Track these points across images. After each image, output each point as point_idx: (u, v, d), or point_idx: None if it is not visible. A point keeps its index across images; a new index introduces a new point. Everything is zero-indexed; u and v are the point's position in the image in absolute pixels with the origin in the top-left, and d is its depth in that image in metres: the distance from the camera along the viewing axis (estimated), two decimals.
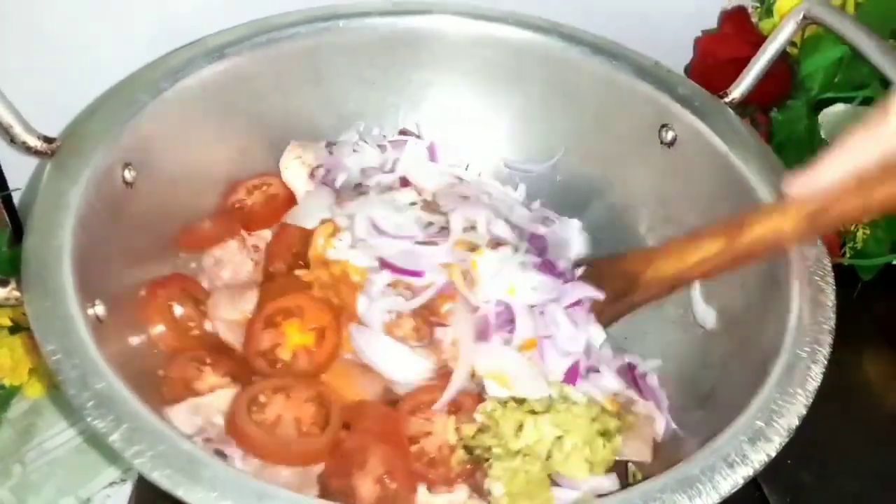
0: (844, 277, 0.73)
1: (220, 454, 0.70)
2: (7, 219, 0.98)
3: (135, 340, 0.76)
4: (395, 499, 0.70)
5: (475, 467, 0.73)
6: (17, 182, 0.97)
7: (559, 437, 0.71)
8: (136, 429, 0.56)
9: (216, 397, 0.74)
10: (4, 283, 0.64)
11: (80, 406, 0.57)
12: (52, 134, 0.75)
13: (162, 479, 0.54)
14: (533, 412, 0.73)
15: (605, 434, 0.73)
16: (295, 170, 0.93)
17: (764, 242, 0.70)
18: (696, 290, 0.86)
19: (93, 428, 0.56)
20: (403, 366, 0.77)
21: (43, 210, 0.69)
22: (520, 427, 0.72)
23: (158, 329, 0.79)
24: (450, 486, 0.72)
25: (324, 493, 0.69)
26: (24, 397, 0.92)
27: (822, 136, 0.93)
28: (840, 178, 0.64)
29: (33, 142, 0.74)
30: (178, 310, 0.81)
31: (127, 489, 0.86)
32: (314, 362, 0.77)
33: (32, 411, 0.91)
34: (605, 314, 0.82)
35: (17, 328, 0.88)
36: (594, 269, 0.85)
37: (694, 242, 0.75)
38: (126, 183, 0.78)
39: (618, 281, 0.81)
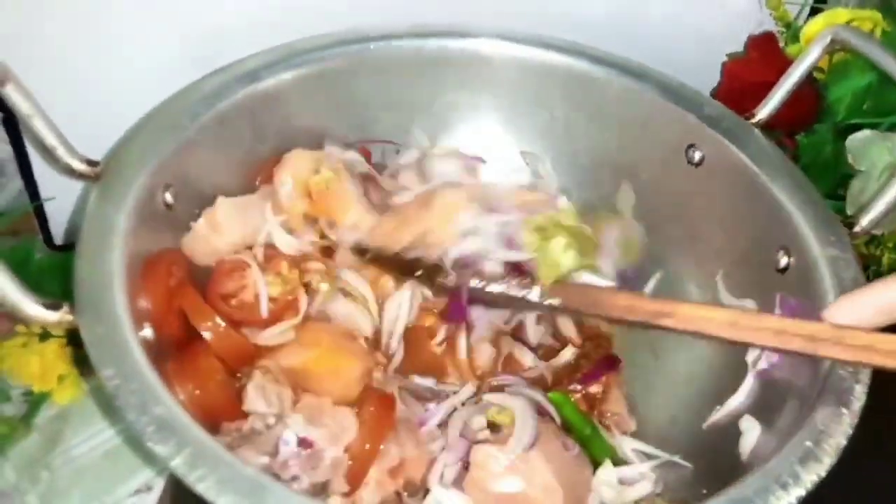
0: None
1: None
2: (38, 227, 0.98)
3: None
4: None
5: None
6: (49, 192, 0.97)
7: None
8: (198, 454, 0.57)
9: None
10: (56, 307, 0.64)
11: (140, 431, 0.57)
12: None
13: None
14: None
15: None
16: None
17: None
18: None
19: (154, 452, 0.56)
20: None
21: (91, 234, 0.69)
22: None
23: None
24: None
25: None
26: (53, 403, 0.91)
27: (849, 161, 0.94)
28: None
29: (77, 165, 0.74)
30: None
31: (153, 497, 0.86)
32: None
33: (60, 417, 0.91)
34: None
35: (47, 335, 0.88)
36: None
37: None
38: (167, 205, 0.78)
39: None
